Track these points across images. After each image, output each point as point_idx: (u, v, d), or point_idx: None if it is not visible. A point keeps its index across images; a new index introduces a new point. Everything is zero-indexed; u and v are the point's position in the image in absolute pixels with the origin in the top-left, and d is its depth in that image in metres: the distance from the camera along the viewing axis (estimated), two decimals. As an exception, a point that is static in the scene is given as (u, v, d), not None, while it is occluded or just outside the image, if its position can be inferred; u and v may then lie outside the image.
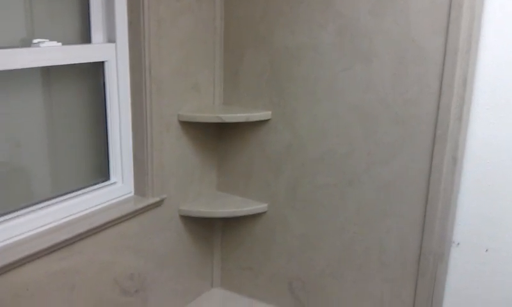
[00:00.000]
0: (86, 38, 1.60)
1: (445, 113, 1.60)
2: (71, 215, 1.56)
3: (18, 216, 1.42)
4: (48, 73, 1.52)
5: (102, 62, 1.62)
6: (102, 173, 1.71)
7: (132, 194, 1.78)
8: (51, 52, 1.44)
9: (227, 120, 1.84)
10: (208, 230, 2.12)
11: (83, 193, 1.61)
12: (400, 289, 1.80)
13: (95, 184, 1.67)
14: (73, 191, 1.59)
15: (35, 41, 1.41)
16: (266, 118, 1.92)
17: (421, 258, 1.74)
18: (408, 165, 1.70)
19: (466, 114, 1.62)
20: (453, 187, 1.67)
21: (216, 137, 2.06)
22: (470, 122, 1.65)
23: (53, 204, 1.52)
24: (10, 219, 1.40)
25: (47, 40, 1.44)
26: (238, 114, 1.87)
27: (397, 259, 1.78)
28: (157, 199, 1.77)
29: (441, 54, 1.57)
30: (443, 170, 1.64)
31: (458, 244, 1.81)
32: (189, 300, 2.09)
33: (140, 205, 1.70)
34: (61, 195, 1.56)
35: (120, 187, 1.73)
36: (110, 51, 1.62)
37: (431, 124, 1.64)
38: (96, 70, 1.64)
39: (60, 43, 1.47)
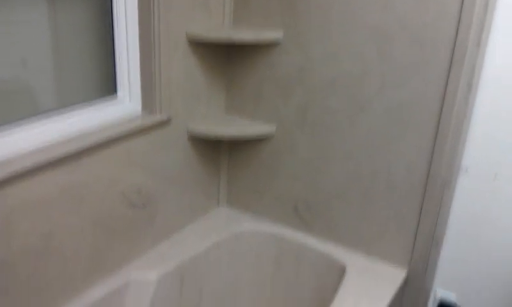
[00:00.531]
0: None
1: (463, 38, 1.54)
2: (78, 129, 1.56)
3: (24, 128, 1.42)
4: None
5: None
6: (109, 88, 1.69)
7: (140, 111, 1.76)
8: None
9: (237, 40, 1.78)
10: (216, 151, 2.12)
11: (90, 108, 1.60)
12: (406, 213, 1.82)
13: (102, 100, 1.64)
14: (80, 106, 1.58)
15: None
16: (277, 39, 1.86)
17: (428, 182, 1.74)
18: (422, 90, 1.66)
19: (484, 40, 1.57)
20: (466, 113, 1.64)
21: (224, 58, 2.01)
22: (487, 49, 1.60)
23: (60, 118, 1.51)
24: (16, 131, 1.40)
25: None
26: (248, 34, 1.81)
27: (404, 184, 1.78)
28: (164, 117, 1.75)
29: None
30: (457, 96, 1.60)
31: (466, 169, 1.81)
32: (195, 217, 2.13)
33: (148, 122, 1.69)
34: (68, 108, 1.54)
35: (127, 103, 1.71)
36: (116, -39, 1.55)
37: (449, 48, 1.59)
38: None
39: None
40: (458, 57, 1.56)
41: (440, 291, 2.02)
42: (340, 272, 1.90)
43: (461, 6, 1.53)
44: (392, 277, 1.85)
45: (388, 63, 1.69)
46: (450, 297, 2.01)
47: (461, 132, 1.68)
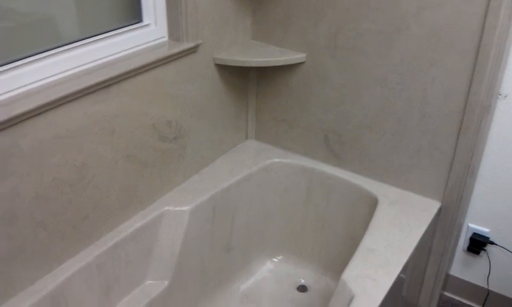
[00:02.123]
0: None
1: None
2: (104, 57, 1.51)
3: (49, 59, 1.37)
4: None
5: None
6: (134, 14, 1.62)
7: (166, 38, 1.70)
8: None
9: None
10: (243, 80, 2.06)
11: (116, 34, 1.54)
12: (441, 141, 1.75)
13: (128, 25, 1.58)
14: (105, 32, 1.52)
15: None
16: (307, -42, 1.76)
17: (466, 109, 1.66)
18: (463, 9, 1.56)
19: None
20: (508, 34, 1.55)
21: (251, -20, 1.91)
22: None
23: (85, 45, 1.46)
24: (42, 59, 1.35)
25: None
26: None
27: (441, 111, 1.71)
28: (191, 44, 1.69)
29: None
30: (500, 14, 1.50)
31: (506, 96, 1.74)
32: (224, 150, 2.10)
33: (175, 50, 1.62)
34: (92, 36, 1.48)
35: (153, 29, 1.64)
36: None
37: (493, -39, 1.48)
38: None
39: None
40: (504, -30, 1.46)
41: (472, 225, 2.00)
42: (372, 203, 1.87)
43: None
44: (425, 208, 1.82)
45: (428, -20, 1.58)
46: (483, 231, 1.99)
47: (503, 55, 1.59)
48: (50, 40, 1.40)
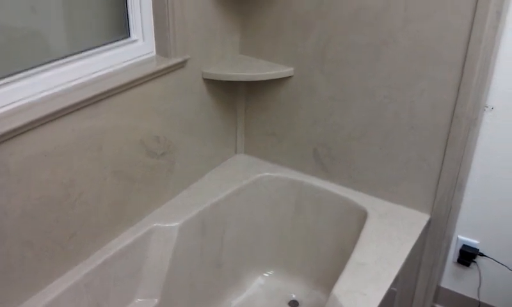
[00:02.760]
0: None
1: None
2: (92, 73, 1.50)
3: (38, 75, 1.36)
4: None
5: None
6: (121, 30, 1.61)
7: (154, 53, 1.69)
8: None
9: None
10: (232, 95, 2.06)
11: (103, 50, 1.53)
12: (429, 154, 1.76)
13: (115, 41, 1.58)
14: (93, 48, 1.51)
15: None
16: (294, -27, 1.77)
17: (453, 122, 1.68)
18: (448, 22, 1.57)
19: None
20: (493, 45, 1.57)
21: (239, -5, 1.92)
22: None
23: (73, 61, 1.45)
24: (30, 77, 1.34)
25: None
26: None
27: (428, 123, 1.73)
28: (179, 59, 1.68)
29: None
30: (486, 26, 1.52)
31: (492, 108, 1.75)
32: (213, 165, 2.09)
33: (163, 65, 1.62)
34: (81, 52, 1.48)
35: (141, 45, 1.64)
36: None
37: (476, -26, 1.50)
38: None
39: None
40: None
41: (462, 237, 2.00)
42: (362, 217, 1.87)
43: None
44: (414, 221, 1.82)
45: (413, -6, 1.60)
46: (473, 243, 1.99)
47: (489, 67, 1.61)
48: (40, 56, 1.39)
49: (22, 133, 1.27)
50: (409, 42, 1.65)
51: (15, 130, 1.23)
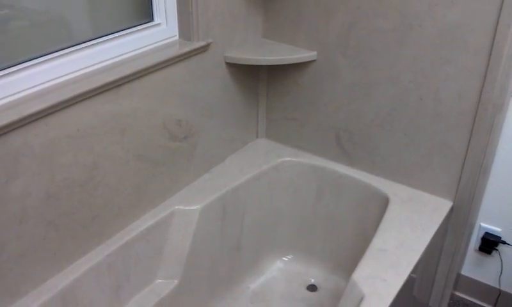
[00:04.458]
0: None
1: None
2: (116, 56, 1.50)
3: (61, 58, 1.37)
4: None
5: None
6: (145, 13, 1.61)
7: (177, 37, 1.69)
8: None
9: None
10: (254, 79, 2.05)
11: (127, 34, 1.54)
12: (454, 140, 1.74)
13: (139, 25, 1.58)
14: (116, 31, 1.51)
15: None
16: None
17: (479, 108, 1.64)
18: (476, 8, 1.53)
19: None
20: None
21: (261, -23, 1.90)
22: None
23: (96, 45, 1.45)
24: (53, 61, 1.35)
25: None
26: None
27: (453, 110, 1.69)
28: (202, 43, 1.68)
29: None
30: (515, 12, 1.48)
31: (519, 94, 1.71)
32: (235, 149, 2.09)
33: (186, 49, 1.62)
34: (104, 36, 1.48)
35: (164, 28, 1.64)
36: None
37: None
38: None
39: None
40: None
41: (484, 225, 1.98)
42: (383, 203, 1.86)
43: None
44: (437, 207, 1.80)
45: (441, -23, 1.56)
46: (495, 230, 1.97)
47: (517, 53, 1.57)
48: (63, 39, 1.40)
49: (46, 115, 1.28)
50: (435, 27, 1.62)
51: (39, 112, 1.25)
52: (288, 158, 2.07)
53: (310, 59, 1.90)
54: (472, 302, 2.12)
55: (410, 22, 1.66)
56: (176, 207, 1.75)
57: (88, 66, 1.44)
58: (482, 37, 1.56)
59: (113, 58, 1.50)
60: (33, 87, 1.31)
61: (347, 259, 2.04)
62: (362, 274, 1.49)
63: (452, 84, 1.66)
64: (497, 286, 2.04)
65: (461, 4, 1.55)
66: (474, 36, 1.57)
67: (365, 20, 1.74)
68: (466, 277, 2.10)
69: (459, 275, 2.09)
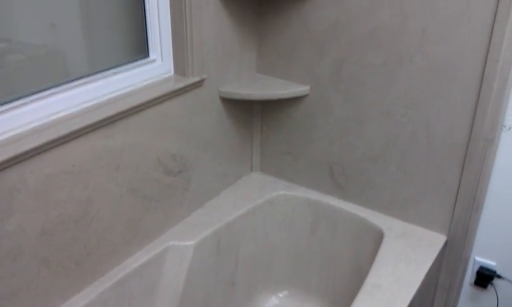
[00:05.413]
0: None
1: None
2: (111, 92, 1.52)
3: (57, 94, 1.38)
4: None
5: None
6: (140, 49, 1.63)
7: (172, 73, 1.71)
8: None
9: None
10: (249, 113, 2.07)
11: (123, 70, 1.55)
12: (446, 174, 1.75)
13: (134, 61, 1.60)
14: (112, 68, 1.53)
15: None
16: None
17: (470, 142, 1.67)
18: (465, 43, 1.57)
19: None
20: (511, 65, 1.56)
21: (256, 14, 1.93)
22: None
23: (92, 81, 1.47)
24: (49, 97, 1.36)
25: None
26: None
27: (445, 143, 1.72)
28: (197, 78, 1.70)
29: None
30: (503, 46, 1.51)
31: (510, 128, 1.73)
32: (229, 183, 2.09)
33: (181, 84, 1.64)
34: (100, 72, 1.50)
35: (159, 64, 1.66)
36: None
37: (493, -3, 1.50)
38: None
39: None
40: (503, 5, 1.47)
41: (479, 259, 1.97)
42: (378, 237, 1.86)
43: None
44: (431, 242, 1.80)
45: (430, 14, 1.60)
46: (490, 264, 1.96)
47: (506, 87, 1.60)
48: (60, 74, 1.42)
49: (42, 152, 1.28)
50: (426, 62, 1.65)
51: (35, 149, 1.25)
52: (283, 192, 2.07)
53: (303, 94, 1.93)
54: (468, 336, 2.10)
55: (401, 57, 1.69)
56: (171, 243, 1.74)
57: (84, 102, 1.44)
58: (472, 71, 1.59)
59: (109, 93, 1.51)
60: (29, 123, 1.31)
61: (343, 295, 2.02)
62: (358, 310, 1.48)
63: (444, 117, 1.69)
64: (493, 320, 2.03)
65: (451, 39, 1.59)
66: (464, 70, 1.60)
67: (357, 56, 1.78)
68: (463, 312, 2.09)
69: (455, 310, 2.07)
